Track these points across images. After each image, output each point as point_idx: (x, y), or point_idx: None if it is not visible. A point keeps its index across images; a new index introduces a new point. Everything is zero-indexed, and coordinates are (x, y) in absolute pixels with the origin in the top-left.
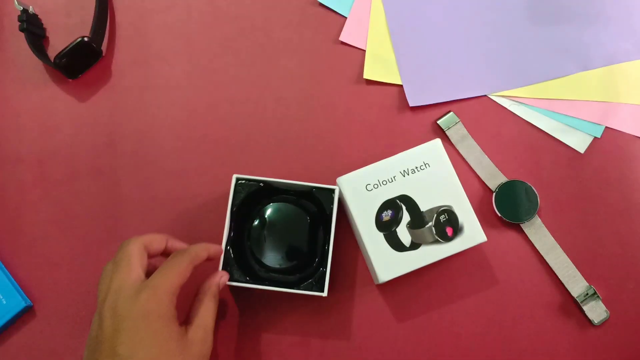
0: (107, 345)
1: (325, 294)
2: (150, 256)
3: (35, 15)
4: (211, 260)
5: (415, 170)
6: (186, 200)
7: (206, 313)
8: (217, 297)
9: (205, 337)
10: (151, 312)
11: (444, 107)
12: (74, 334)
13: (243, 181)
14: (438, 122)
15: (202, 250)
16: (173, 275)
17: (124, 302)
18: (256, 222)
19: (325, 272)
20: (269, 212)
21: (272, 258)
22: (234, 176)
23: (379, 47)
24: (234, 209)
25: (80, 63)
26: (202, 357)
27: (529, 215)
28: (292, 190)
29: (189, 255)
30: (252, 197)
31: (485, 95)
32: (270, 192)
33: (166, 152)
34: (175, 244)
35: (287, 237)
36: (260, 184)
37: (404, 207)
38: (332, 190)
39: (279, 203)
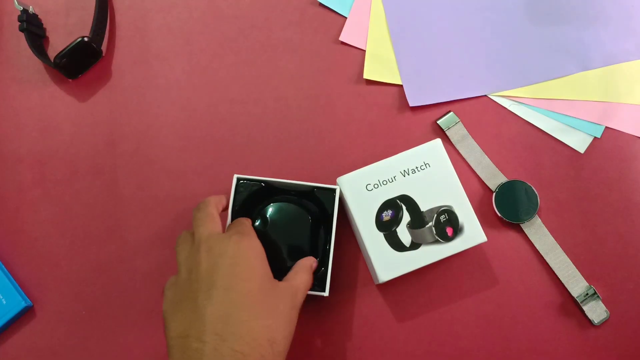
0: (204, 282)
1: (326, 293)
2: None
3: (35, 15)
4: None
5: (416, 170)
6: (186, 200)
7: (300, 281)
8: (311, 274)
9: (297, 294)
10: (247, 250)
11: (444, 107)
12: (74, 334)
13: (244, 181)
14: (438, 122)
15: (246, 219)
16: (249, 227)
17: (219, 243)
18: (257, 222)
19: (326, 271)
20: (270, 211)
21: (273, 258)
22: (235, 176)
23: (379, 47)
24: (236, 209)
25: (80, 63)
26: (293, 308)
27: (529, 215)
28: (293, 190)
29: (245, 218)
30: (254, 197)
31: (485, 95)
32: (271, 191)
33: (166, 152)
34: (225, 200)
35: (289, 236)
36: (262, 183)
37: (404, 207)
38: (334, 190)
39: (280, 203)
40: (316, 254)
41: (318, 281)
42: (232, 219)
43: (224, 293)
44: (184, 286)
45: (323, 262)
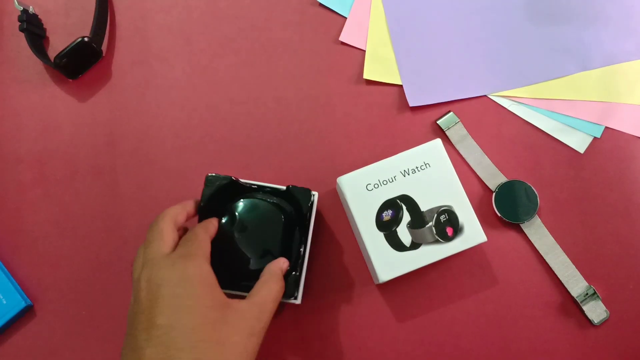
0: (144, 316)
1: (299, 301)
2: (178, 229)
3: (35, 16)
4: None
5: (416, 170)
6: (186, 200)
7: (267, 293)
8: (281, 282)
9: (260, 315)
10: (191, 277)
11: (444, 107)
12: (74, 334)
13: (214, 176)
14: (438, 122)
15: (210, 223)
16: (202, 242)
17: (159, 270)
18: (225, 220)
19: (298, 276)
20: (239, 208)
21: (240, 260)
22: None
23: (379, 47)
24: (202, 205)
25: (80, 63)
26: (252, 336)
27: (528, 215)
28: (267, 188)
29: (204, 227)
30: (224, 192)
31: (485, 95)
32: (244, 188)
33: (166, 152)
34: (192, 206)
35: (259, 236)
36: (233, 177)
37: (404, 207)
38: (309, 191)
39: (251, 199)
40: (289, 257)
41: (289, 287)
42: (199, 217)
43: (164, 332)
44: (130, 318)
45: (296, 267)
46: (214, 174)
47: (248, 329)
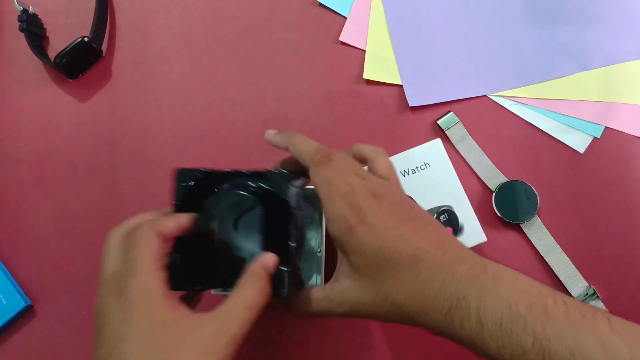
0: (93, 346)
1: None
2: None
3: (35, 16)
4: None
5: (416, 170)
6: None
7: (236, 301)
8: (261, 282)
9: (223, 328)
10: (129, 300)
11: (444, 107)
12: (74, 334)
13: (185, 171)
14: (438, 122)
15: (169, 219)
16: (144, 249)
17: (103, 298)
18: (200, 219)
19: (288, 271)
20: (217, 203)
21: (221, 263)
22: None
23: (379, 47)
24: (178, 203)
25: (81, 63)
26: (207, 354)
27: (528, 215)
28: (247, 175)
29: (151, 225)
30: (199, 188)
31: (485, 95)
32: (221, 179)
33: (166, 151)
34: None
35: (242, 234)
36: (208, 171)
37: None
38: (288, 175)
39: (230, 192)
40: (282, 250)
41: (278, 284)
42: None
43: (112, 347)
44: None
45: (290, 261)
46: (183, 168)
47: (200, 347)
